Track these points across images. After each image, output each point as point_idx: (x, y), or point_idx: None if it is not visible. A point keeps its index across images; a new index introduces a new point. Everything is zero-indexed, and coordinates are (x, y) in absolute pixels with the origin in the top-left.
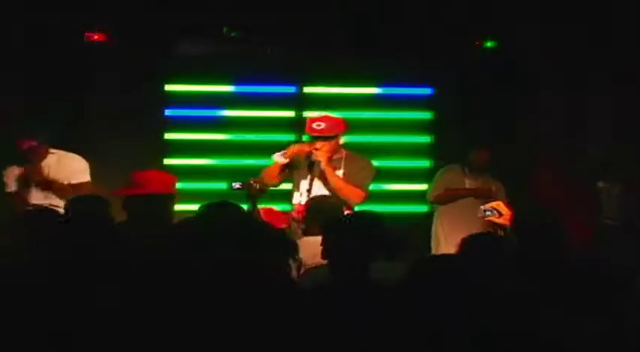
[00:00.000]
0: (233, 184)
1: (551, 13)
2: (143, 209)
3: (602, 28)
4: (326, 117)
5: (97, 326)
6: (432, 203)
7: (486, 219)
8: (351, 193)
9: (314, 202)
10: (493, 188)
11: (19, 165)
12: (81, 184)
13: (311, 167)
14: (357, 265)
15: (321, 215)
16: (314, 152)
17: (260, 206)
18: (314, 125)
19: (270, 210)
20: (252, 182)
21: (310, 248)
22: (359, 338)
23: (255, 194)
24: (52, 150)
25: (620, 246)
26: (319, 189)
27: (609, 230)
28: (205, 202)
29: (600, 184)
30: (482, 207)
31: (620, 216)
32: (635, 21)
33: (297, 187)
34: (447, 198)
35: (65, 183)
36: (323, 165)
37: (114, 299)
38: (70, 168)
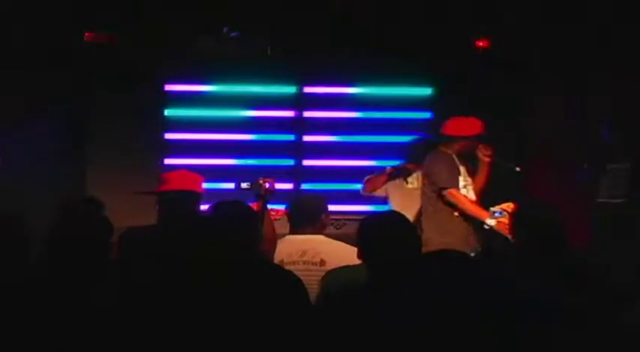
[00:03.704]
0: (241, 184)
1: (551, 13)
2: (167, 206)
3: (602, 28)
4: None
5: (96, 327)
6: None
7: (497, 220)
8: None
9: (298, 200)
10: None
11: None
12: None
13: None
14: (397, 265)
15: (306, 213)
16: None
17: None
18: (482, 124)
19: None
20: (260, 181)
21: (295, 245)
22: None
23: (264, 194)
24: None
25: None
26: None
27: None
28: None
29: (608, 166)
30: (492, 208)
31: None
32: (635, 21)
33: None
34: None
35: None
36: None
37: (111, 300)
38: None
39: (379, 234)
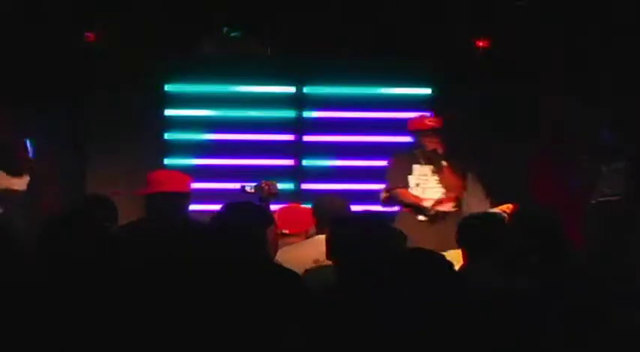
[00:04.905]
0: (245, 187)
1: (551, 13)
2: (158, 207)
3: (602, 28)
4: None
5: (101, 325)
6: None
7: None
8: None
9: (326, 200)
10: None
11: None
12: None
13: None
14: (364, 265)
15: (327, 215)
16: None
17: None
18: (427, 121)
19: (296, 208)
20: (263, 185)
21: (319, 246)
22: (371, 338)
23: (267, 197)
24: None
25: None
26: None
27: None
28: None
29: (604, 168)
30: (491, 210)
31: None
32: (635, 21)
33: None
34: None
35: None
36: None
37: (117, 299)
38: None
39: (343, 235)
